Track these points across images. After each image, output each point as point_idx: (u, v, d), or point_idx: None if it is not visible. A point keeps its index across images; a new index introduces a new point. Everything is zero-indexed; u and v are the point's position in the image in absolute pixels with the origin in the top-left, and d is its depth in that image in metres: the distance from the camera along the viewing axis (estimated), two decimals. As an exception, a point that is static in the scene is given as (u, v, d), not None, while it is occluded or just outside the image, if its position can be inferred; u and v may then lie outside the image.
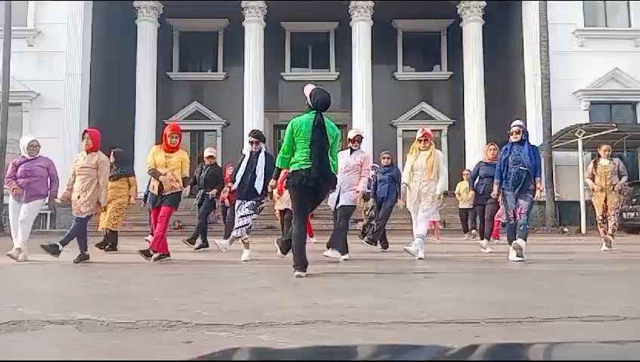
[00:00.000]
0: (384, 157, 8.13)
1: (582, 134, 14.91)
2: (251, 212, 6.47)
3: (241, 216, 6.43)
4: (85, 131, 6.61)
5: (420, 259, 6.19)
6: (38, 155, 6.64)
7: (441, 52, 21.50)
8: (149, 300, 3.34)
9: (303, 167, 4.70)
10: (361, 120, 17.58)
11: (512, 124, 6.41)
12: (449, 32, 20.82)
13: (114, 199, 8.05)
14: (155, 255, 6.14)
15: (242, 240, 6.45)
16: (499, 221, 8.40)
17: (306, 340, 2.16)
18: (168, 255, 6.30)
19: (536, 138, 16.40)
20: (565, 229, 15.10)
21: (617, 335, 2.31)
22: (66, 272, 5.50)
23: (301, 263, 4.60)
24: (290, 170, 4.84)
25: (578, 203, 15.02)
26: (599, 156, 8.15)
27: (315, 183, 4.68)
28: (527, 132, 6.49)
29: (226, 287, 4.11)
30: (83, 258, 6.15)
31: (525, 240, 6.12)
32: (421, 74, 21.29)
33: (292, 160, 4.84)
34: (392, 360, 0.77)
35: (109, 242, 8.13)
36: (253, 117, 18.07)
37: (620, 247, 7.70)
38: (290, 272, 4.78)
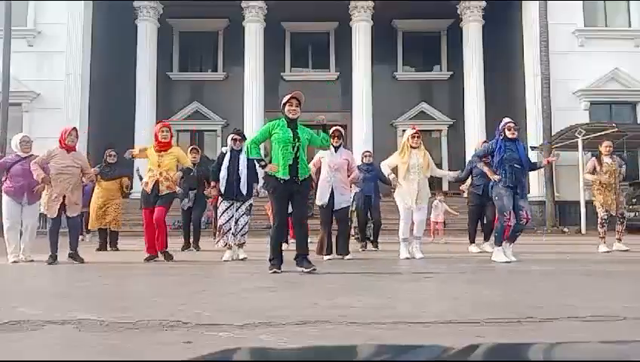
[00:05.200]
0: (365, 155, 8.22)
1: (582, 134, 14.92)
2: (249, 216, 6.55)
3: (244, 224, 6.43)
4: (74, 128, 6.48)
5: (406, 258, 6.31)
6: (31, 153, 6.50)
7: (441, 52, 21.51)
8: (149, 300, 3.34)
9: None
10: (361, 120, 17.59)
11: (508, 120, 6.25)
12: (449, 32, 20.83)
13: (111, 199, 8.16)
14: (147, 255, 6.30)
15: (238, 243, 6.44)
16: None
17: (306, 340, 2.16)
18: (157, 256, 6.36)
19: (536, 138, 16.43)
20: (565, 229, 15.10)
21: (617, 335, 2.31)
22: (66, 272, 5.50)
23: None
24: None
25: (578, 203, 15.02)
26: (601, 153, 7.96)
27: None
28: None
29: (226, 287, 4.11)
30: (55, 259, 6.08)
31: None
32: (421, 74, 21.30)
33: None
34: (392, 360, 0.77)
35: (105, 241, 8.21)
36: (253, 117, 18.08)
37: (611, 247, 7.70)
38: (291, 272, 4.80)
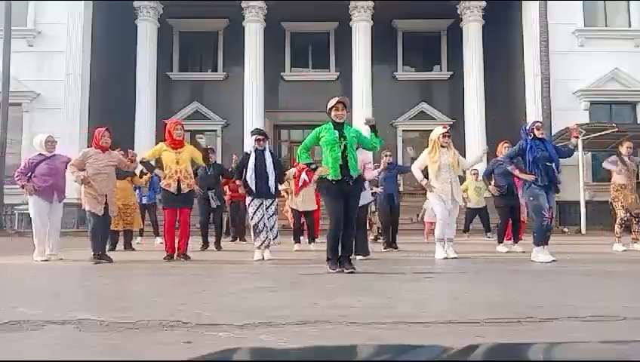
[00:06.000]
0: (386, 155, 8.27)
1: (582, 134, 14.89)
2: (277, 215, 6.61)
3: (275, 223, 6.47)
4: (107, 129, 6.57)
5: (453, 258, 6.32)
6: (55, 153, 6.63)
7: (441, 52, 21.50)
8: (149, 300, 3.34)
9: None
10: (361, 120, 17.56)
11: (535, 121, 6.38)
12: (449, 32, 20.82)
13: (129, 198, 8.16)
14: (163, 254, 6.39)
15: (275, 243, 6.51)
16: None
17: (306, 340, 2.16)
18: (175, 255, 6.42)
19: (536, 138, 16.39)
20: (565, 229, 15.10)
21: (617, 335, 2.31)
22: (66, 272, 5.50)
23: None
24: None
25: (578, 203, 15.01)
26: (621, 153, 7.92)
27: None
28: None
29: (226, 287, 4.12)
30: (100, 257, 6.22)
31: None
32: (421, 74, 21.29)
33: None
34: (392, 360, 0.77)
35: (115, 242, 8.23)
36: (253, 117, 18.07)
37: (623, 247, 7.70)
38: (291, 272, 4.81)
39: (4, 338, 2.27)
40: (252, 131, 6.93)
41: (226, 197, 9.57)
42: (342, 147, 4.95)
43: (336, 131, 5.01)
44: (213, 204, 8.34)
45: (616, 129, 14.56)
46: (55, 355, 1.99)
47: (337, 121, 5.06)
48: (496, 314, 2.66)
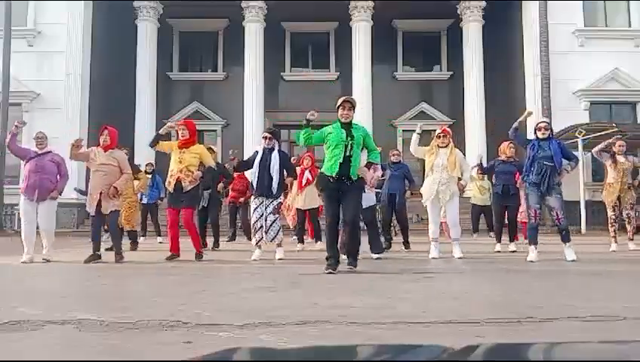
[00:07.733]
0: (394, 155, 8.23)
1: (582, 134, 14.90)
2: (277, 214, 6.53)
3: (272, 222, 6.40)
4: (105, 128, 6.49)
5: (459, 258, 6.41)
6: (47, 150, 6.47)
7: (441, 52, 21.49)
8: (149, 300, 3.34)
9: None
10: (361, 120, 17.54)
11: (539, 121, 6.47)
12: (449, 32, 20.82)
13: (125, 198, 8.08)
14: (168, 254, 6.35)
15: (278, 244, 6.46)
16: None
17: (306, 340, 2.16)
18: (178, 255, 6.37)
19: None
20: (565, 229, 15.09)
21: (617, 335, 2.31)
22: (66, 272, 5.50)
23: None
24: None
25: (578, 203, 15.00)
26: (614, 153, 8.12)
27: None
28: (552, 129, 6.51)
29: (226, 287, 4.12)
30: (95, 258, 6.13)
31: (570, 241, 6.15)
32: (421, 74, 21.28)
33: None
34: (392, 360, 0.77)
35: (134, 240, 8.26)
36: (253, 117, 18.07)
37: (621, 247, 7.69)
38: (291, 272, 4.81)
39: (4, 338, 2.27)
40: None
41: (228, 198, 9.57)
42: (349, 147, 4.93)
43: (344, 131, 4.99)
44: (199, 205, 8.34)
45: (616, 129, 14.54)
46: (55, 355, 1.99)
47: (343, 120, 5.05)
48: (496, 314, 2.66)
